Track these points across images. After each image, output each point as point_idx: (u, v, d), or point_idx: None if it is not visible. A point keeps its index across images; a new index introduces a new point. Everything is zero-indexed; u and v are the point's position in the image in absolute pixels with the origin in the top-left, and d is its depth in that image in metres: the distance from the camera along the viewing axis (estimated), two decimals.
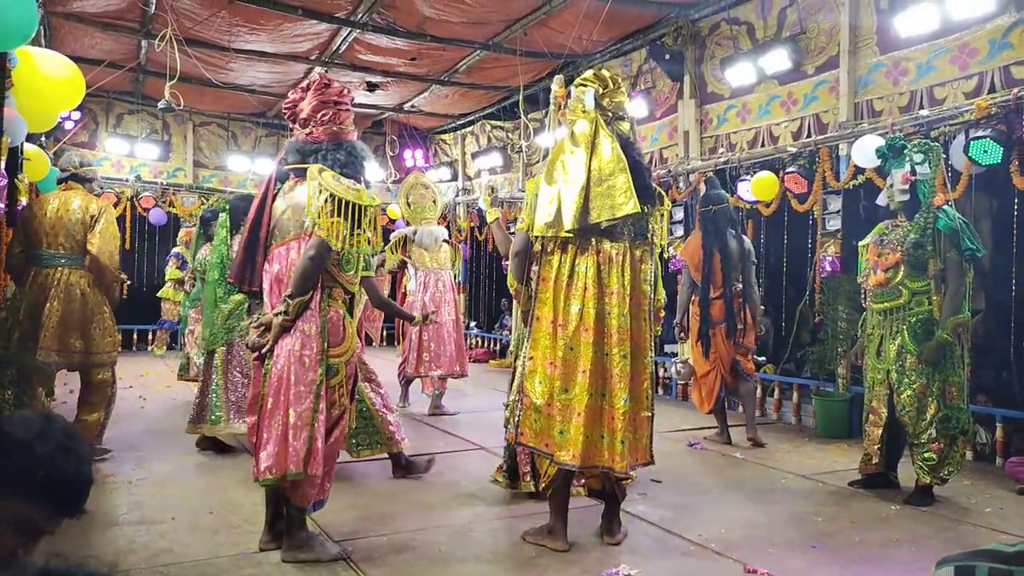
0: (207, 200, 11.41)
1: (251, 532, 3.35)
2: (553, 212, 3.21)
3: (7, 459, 1.25)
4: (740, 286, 5.65)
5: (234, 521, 3.59)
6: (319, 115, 3.16)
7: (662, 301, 3.49)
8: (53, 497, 1.29)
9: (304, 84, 3.26)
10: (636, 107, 7.69)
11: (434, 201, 7.06)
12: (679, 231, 7.75)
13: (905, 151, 4.20)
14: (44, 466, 1.27)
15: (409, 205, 6.98)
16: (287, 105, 3.27)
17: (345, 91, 3.24)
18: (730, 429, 5.73)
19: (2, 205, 3.64)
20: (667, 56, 7.70)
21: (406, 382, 6.93)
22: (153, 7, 7.25)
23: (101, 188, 5.10)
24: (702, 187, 7.25)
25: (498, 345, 11.48)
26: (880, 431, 4.30)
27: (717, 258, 5.61)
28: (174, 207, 11.18)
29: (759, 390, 6.93)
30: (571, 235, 3.22)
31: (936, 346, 4.05)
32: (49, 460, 1.27)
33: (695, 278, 5.73)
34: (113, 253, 4.57)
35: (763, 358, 6.43)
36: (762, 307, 6.06)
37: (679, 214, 7.79)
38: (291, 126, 3.28)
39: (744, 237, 5.89)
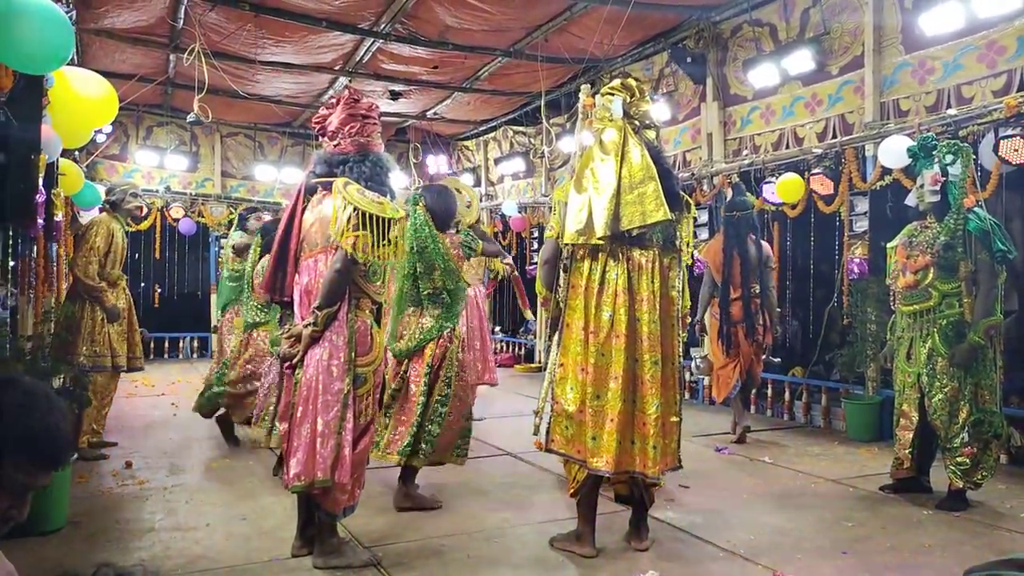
0: (235, 209, 11.59)
1: (283, 538, 3.41)
2: (584, 219, 3.24)
3: None
4: (758, 288, 5.89)
5: (266, 527, 3.65)
6: (347, 128, 3.22)
7: (687, 307, 3.50)
8: (27, 454, 1.33)
9: (334, 99, 3.32)
10: (659, 110, 7.67)
11: (468, 206, 6.99)
12: (703, 234, 7.73)
13: (935, 151, 4.16)
14: (9, 427, 1.30)
15: None
16: (317, 120, 3.34)
17: (373, 106, 3.31)
18: (748, 434, 5.90)
19: (41, 220, 3.74)
20: (689, 59, 7.68)
21: None
22: (181, 22, 7.38)
23: (137, 202, 5.47)
24: (727, 190, 7.24)
25: (523, 350, 11.49)
26: (911, 435, 4.24)
27: (737, 261, 5.85)
28: (203, 217, 11.37)
29: (786, 393, 6.97)
30: (602, 242, 3.24)
31: (968, 349, 3.99)
32: (12, 421, 1.31)
33: (716, 279, 5.96)
34: (87, 267, 5.00)
35: (778, 359, 6.57)
36: (779, 309, 6.29)
37: (703, 217, 7.76)
38: (321, 139, 3.35)
39: (764, 243, 6.09)
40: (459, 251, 4.16)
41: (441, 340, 4.02)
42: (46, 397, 1.38)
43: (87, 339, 5.01)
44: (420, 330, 4.03)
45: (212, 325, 11.53)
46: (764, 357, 6.10)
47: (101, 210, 5.41)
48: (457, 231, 4.33)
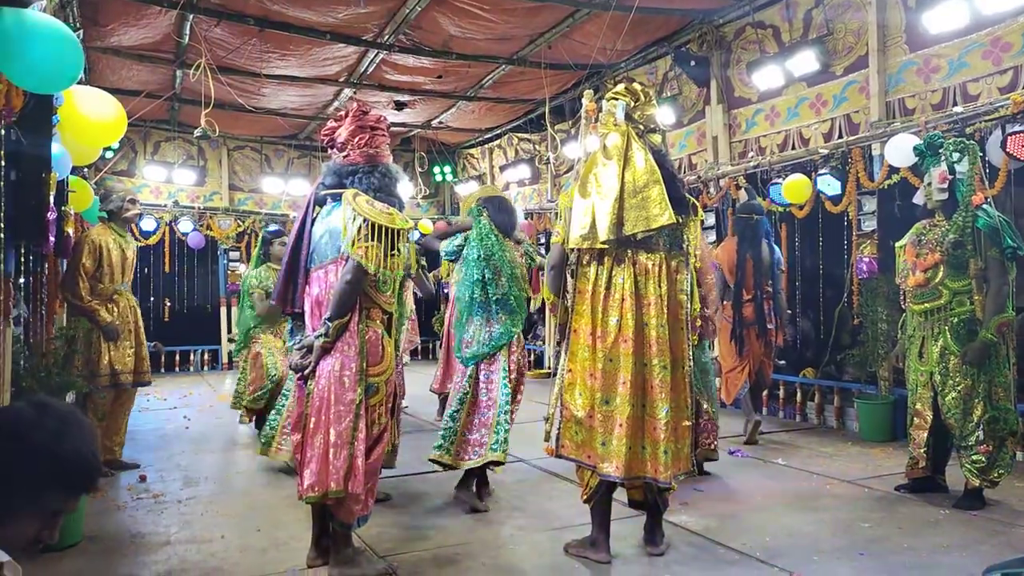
0: (242, 223, 11.66)
1: (298, 549, 3.41)
2: (588, 224, 3.24)
3: (6, 454, 1.30)
4: (770, 290, 5.96)
5: (281, 538, 3.66)
6: (356, 139, 3.25)
7: (697, 310, 3.49)
8: (60, 480, 1.34)
9: (342, 112, 3.35)
10: (663, 114, 7.66)
11: None
12: (711, 236, 7.73)
13: (941, 149, 4.15)
14: (44, 453, 1.31)
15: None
16: (326, 132, 3.37)
17: (382, 118, 3.34)
18: (761, 435, 5.95)
19: (52, 238, 3.78)
20: (692, 62, 7.70)
21: (441, 397, 6.94)
22: (187, 38, 7.45)
23: (137, 209, 5.30)
24: (734, 192, 7.25)
25: (532, 356, 11.49)
26: (926, 434, 4.22)
27: (750, 263, 5.87)
28: (212, 230, 11.44)
29: (799, 394, 6.95)
30: (607, 247, 3.24)
31: (980, 347, 3.97)
32: (47, 447, 1.31)
33: (728, 281, 5.96)
34: (73, 287, 4.87)
35: (783, 361, 6.62)
36: (788, 311, 6.38)
37: (710, 219, 7.75)
38: (329, 151, 3.37)
39: (776, 247, 6.15)
40: (523, 259, 4.42)
41: (513, 346, 4.27)
42: (78, 421, 1.38)
43: (82, 356, 4.85)
44: (490, 337, 4.21)
45: (229, 352, 11.57)
46: (772, 361, 6.16)
47: (99, 219, 5.22)
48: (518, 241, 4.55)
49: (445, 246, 4.53)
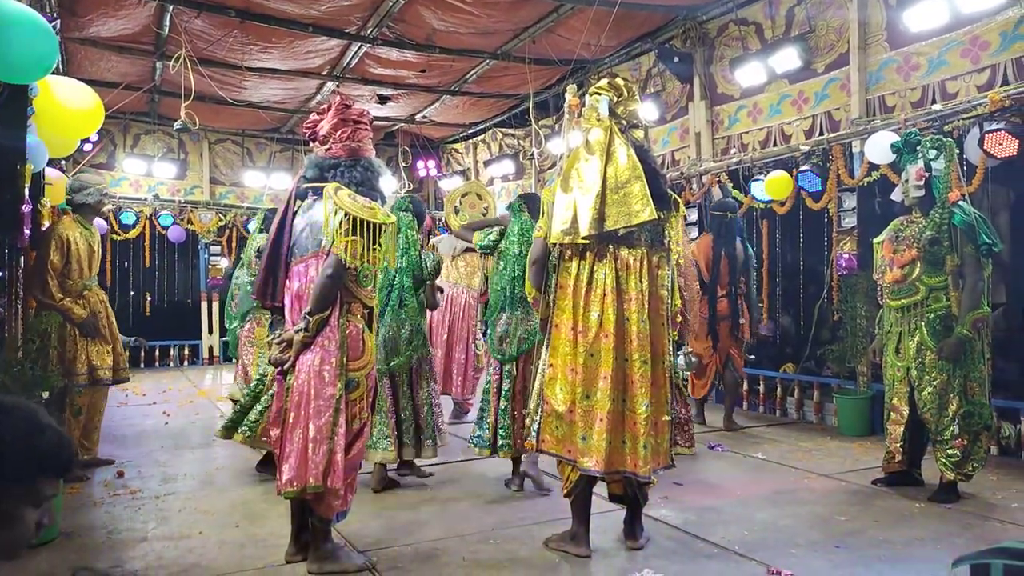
0: (224, 216, 11.56)
1: (277, 545, 3.40)
2: (569, 219, 3.24)
3: None
4: (744, 288, 6.18)
5: (260, 534, 3.64)
6: (338, 132, 3.23)
7: (678, 306, 3.50)
8: (49, 469, 1.37)
9: (325, 106, 3.33)
10: (646, 110, 7.69)
11: (484, 213, 6.78)
12: (693, 232, 7.76)
13: (919, 147, 4.19)
14: (29, 451, 1.33)
15: (456, 213, 6.77)
16: (308, 125, 3.35)
17: (364, 112, 3.32)
18: (741, 431, 6.13)
19: (27, 230, 3.73)
20: (676, 58, 7.72)
21: None
22: (167, 29, 7.37)
23: (107, 204, 5.09)
24: (716, 190, 7.29)
25: None
26: (902, 429, 4.27)
27: (725, 260, 6.05)
28: (192, 224, 11.33)
29: (778, 389, 7.00)
30: (588, 242, 3.24)
31: (956, 342, 4.02)
32: (29, 445, 1.33)
33: (704, 276, 6.10)
34: (43, 286, 4.66)
35: (752, 356, 6.77)
36: (760, 305, 6.62)
37: (692, 215, 7.79)
38: (311, 145, 3.35)
39: (748, 245, 6.39)
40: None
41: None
42: (46, 414, 1.40)
43: (57, 352, 4.71)
44: (527, 332, 4.25)
45: (211, 347, 11.47)
46: (742, 354, 6.34)
47: (64, 211, 5.01)
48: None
49: (480, 239, 4.53)
